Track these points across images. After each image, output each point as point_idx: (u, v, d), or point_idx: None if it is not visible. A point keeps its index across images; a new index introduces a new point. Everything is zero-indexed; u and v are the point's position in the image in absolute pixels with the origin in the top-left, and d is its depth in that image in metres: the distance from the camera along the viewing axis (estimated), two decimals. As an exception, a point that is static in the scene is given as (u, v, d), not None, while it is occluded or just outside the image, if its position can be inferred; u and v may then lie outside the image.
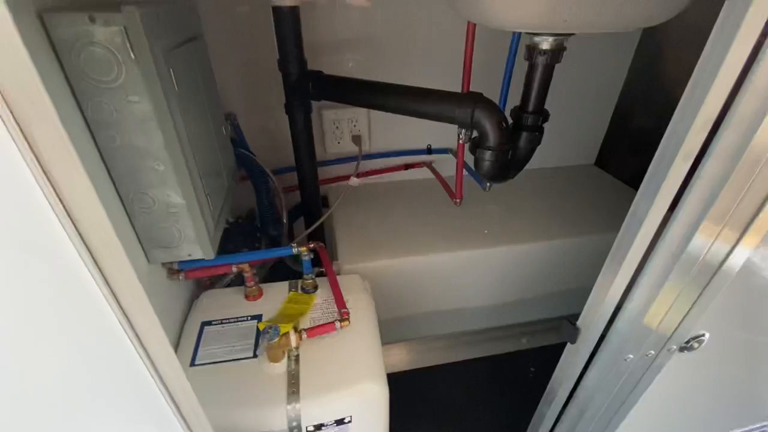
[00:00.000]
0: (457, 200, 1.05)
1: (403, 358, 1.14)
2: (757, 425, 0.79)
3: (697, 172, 0.38)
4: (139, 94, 0.51)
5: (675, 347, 0.51)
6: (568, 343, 0.55)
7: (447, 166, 1.21)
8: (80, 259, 0.28)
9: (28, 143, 0.23)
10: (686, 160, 0.38)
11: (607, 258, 0.48)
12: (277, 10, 0.77)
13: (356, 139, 1.12)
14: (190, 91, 0.65)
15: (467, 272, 1.02)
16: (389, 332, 1.06)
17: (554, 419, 0.65)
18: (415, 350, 1.15)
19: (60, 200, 0.25)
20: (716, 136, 0.36)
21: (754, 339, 0.56)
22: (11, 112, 0.22)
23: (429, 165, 1.25)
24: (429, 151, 1.23)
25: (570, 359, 0.56)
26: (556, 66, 0.66)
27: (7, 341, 0.24)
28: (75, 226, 0.27)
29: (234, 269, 0.76)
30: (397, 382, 1.08)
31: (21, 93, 0.22)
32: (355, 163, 1.06)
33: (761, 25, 0.31)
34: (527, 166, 0.78)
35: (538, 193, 1.22)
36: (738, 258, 0.42)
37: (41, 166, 0.24)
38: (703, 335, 0.52)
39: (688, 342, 0.52)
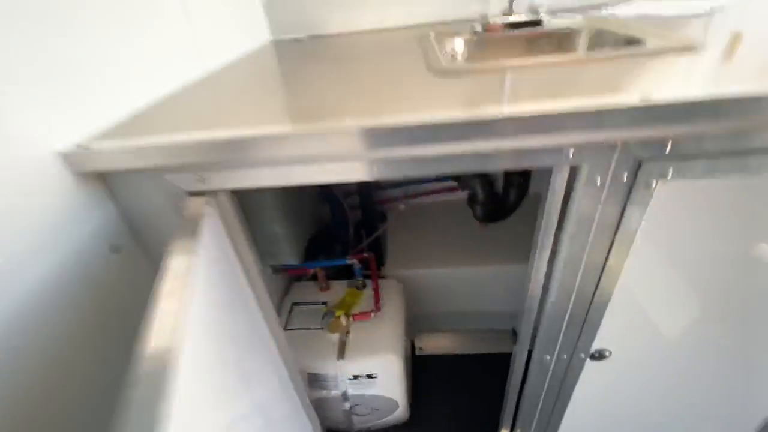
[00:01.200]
0: (485, 223, 1.29)
1: (437, 345, 1.44)
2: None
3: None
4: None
5: (583, 356, 0.73)
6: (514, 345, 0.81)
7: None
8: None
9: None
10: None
11: (528, 265, 0.70)
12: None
13: (407, 171, 1.44)
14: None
15: (488, 283, 1.27)
16: (422, 323, 1.38)
17: (515, 399, 0.89)
18: (449, 339, 1.44)
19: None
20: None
21: (658, 356, 0.73)
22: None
23: (470, 188, 1.50)
24: (471, 176, 1.48)
25: (515, 358, 0.81)
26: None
27: (217, 311, 0.63)
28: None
29: (311, 271, 1.16)
30: (433, 362, 1.39)
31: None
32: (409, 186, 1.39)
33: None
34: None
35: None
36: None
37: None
38: (606, 351, 0.73)
39: (595, 354, 0.73)
